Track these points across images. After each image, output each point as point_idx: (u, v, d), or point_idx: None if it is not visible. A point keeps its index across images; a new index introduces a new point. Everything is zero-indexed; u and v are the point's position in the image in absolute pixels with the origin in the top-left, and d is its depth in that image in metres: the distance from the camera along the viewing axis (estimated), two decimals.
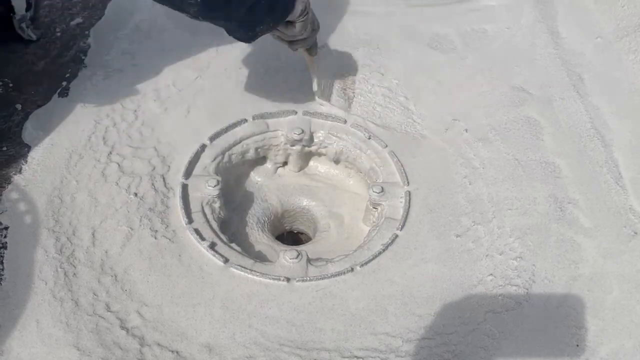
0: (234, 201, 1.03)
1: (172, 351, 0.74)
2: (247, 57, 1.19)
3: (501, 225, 0.91)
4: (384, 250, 0.87)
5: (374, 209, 0.97)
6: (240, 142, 1.03)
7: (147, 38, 1.23)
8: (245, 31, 0.85)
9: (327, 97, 1.09)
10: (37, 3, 1.19)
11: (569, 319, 0.81)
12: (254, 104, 1.08)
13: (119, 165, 0.96)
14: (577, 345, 0.78)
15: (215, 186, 0.93)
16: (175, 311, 0.79)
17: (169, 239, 0.87)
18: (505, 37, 1.29)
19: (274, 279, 0.83)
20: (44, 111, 1.04)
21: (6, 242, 0.84)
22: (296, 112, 1.07)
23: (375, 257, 0.86)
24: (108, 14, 1.28)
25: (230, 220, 0.99)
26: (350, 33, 1.28)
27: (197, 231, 0.88)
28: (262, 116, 1.06)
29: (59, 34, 1.21)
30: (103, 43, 1.20)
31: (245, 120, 1.05)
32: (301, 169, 1.10)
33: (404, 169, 0.99)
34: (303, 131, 1.04)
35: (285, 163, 1.10)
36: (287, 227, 1.12)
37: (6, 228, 0.85)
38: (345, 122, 1.06)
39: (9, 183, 0.91)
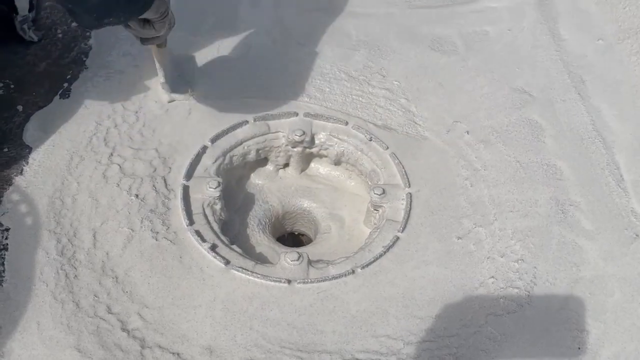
0: (235, 203, 1.03)
1: (173, 353, 0.74)
2: (248, 58, 1.19)
3: (502, 227, 0.91)
4: (385, 252, 0.87)
5: (375, 211, 0.97)
6: (241, 143, 1.03)
7: None
8: (91, 20, 0.78)
9: (173, 89, 1.07)
10: (38, 4, 1.19)
11: (570, 321, 0.80)
12: (255, 106, 1.08)
13: (120, 166, 0.96)
14: (579, 348, 0.78)
15: (216, 188, 0.93)
16: (176, 313, 0.79)
17: (170, 241, 0.87)
18: (506, 39, 1.29)
19: (275, 281, 0.83)
20: (45, 112, 1.04)
21: (7, 244, 0.84)
22: (297, 114, 1.07)
23: (376, 259, 0.86)
24: None
25: (232, 222, 0.99)
26: (351, 34, 1.28)
27: (198, 233, 0.88)
28: (263, 118, 1.06)
29: (60, 36, 1.21)
30: (104, 44, 1.20)
31: (247, 122, 1.05)
32: (302, 170, 1.10)
33: (405, 171, 0.99)
34: (304, 133, 1.04)
35: (286, 165, 1.10)
36: (288, 229, 1.12)
37: (7, 229, 0.85)
38: (346, 123, 1.06)
39: (10, 184, 0.91)
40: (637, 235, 0.91)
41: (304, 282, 0.83)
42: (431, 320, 0.80)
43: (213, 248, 0.86)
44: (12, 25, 1.14)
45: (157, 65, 1.05)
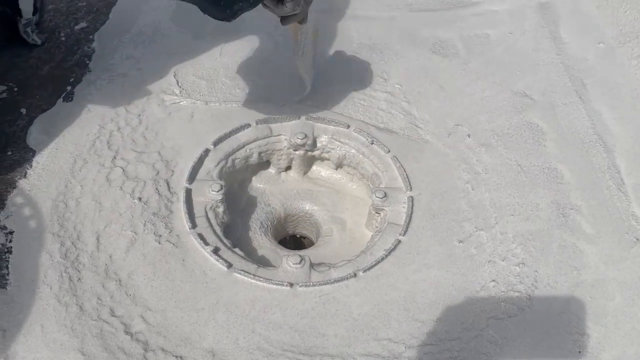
0: (238, 206, 1.04)
1: (176, 356, 0.75)
2: (250, 61, 1.20)
3: (504, 231, 0.92)
4: (386, 255, 0.88)
5: (377, 214, 0.97)
6: (243, 146, 1.03)
7: (151, 42, 1.23)
8: (221, 8, 0.77)
9: (303, 63, 1.06)
10: (41, 7, 1.20)
11: (571, 325, 0.81)
12: (258, 109, 1.09)
13: (123, 169, 0.96)
14: (579, 352, 0.78)
15: (218, 191, 0.93)
16: (179, 316, 0.79)
17: (173, 244, 0.87)
18: (508, 42, 1.29)
19: (277, 284, 0.83)
20: (48, 115, 1.05)
21: (11, 247, 0.84)
22: (299, 117, 1.07)
23: (378, 262, 0.87)
24: (112, 18, 1.29)
25: (235, 225, 1.00)
26: (353, 38, 1.28)
27: (200, 236, 0.88)
28: (266, 121, 1.06)
29: (63, 39, 1.22)
30: (107, 47, 1.21)
31: (249, 125, 1.05)
32: (304, 173, 1.11)
33: (406, 174, 0.99)
34: (306, 136, 1.04)
35: (288, 168, 1.10)
36: (290, 232, 1.13)
37: (11, 232, 0.86)
38: (348, 127, 1.06)
39: (14, 187, 0.92)
40: (637, 239, 0.91)
41: (306, 286, 0.83)
42: (432, 323, 0.80)
43: (215, 251, 0.86)
44: (15, 28, 1.15)
45: (293, 39, 1.01)
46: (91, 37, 1.23)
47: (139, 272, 0.83)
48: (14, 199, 0.90)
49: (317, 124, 1.07)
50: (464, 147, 1.05)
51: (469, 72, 1.21)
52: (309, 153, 1.07)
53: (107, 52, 1.19)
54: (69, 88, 1.10)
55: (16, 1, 1.13)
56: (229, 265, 0.85)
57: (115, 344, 0.75)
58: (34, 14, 1.17)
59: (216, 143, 1.02)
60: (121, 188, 0.93)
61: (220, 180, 0.97)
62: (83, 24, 1.26)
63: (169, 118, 1.06)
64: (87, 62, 1.17)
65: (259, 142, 1.05)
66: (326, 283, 0.84)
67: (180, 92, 1.11)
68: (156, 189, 0.94)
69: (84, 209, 0.90)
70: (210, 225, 0.91)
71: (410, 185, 0.98)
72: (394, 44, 1.27)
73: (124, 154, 0.99)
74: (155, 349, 0.75)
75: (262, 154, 1.06)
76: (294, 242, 1.16)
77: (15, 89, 1.09)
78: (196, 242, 0.87)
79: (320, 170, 1.12)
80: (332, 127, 1.07)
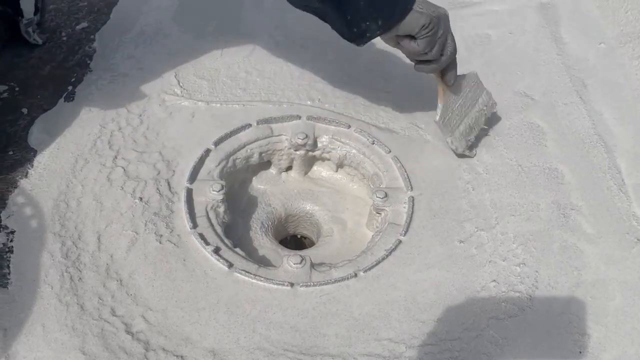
0: (239, 206, 1.04)
1: (177, 356, 0.75)
2: (251, 61, 1.20)
3: (504, 231, 0.92)
4: (387, 255, 0.88)
5: (378, 214, 0.97)
6: (244, 146, 1.03)
7: (152, 42, 1.24)
8: (347, 25, 0.74)
9: (449, 131, 0.98)
10: (43, 7, 1.20)
11: (571, 325, 0.81)
12: (258, 109, 1.09)
13: (124, 169, 0.96)
14: (580, 352, 0.78)
15: (219, 191, 0.94)
16: (179, 316, 0.79)
17: (174, 244, 0.87)
18: (508, 42, 1.29)
19: (278, 284, 0.83)
20: (49, 115, 1.05)
21: (12, 246, 0.84)
22: (300, 117, 1.07)
23: (378, 262, 0.87)
24: (113, 18, 1.29)
25: (236, 225, 1.00)
26: None
27: (201, 236, 0.88)
28: (266, 121, 1.06)
29: (64, 38, 1.22)
30: (108, 47, 1.21)
31: (250, 125, 1.05)
32: (305, 173, 1.11)
33: (407, 174, 0.99)
34: (307, 136, 1.04)
35: (289, 168, 1.10)
36: (290, 232, 1.13)
37: (12, 232, 0.86)
38: (349, 127, 1.06)
39: (16, 187, 0.92)
40: (638, 240, 0.91)
41: (306, 286, 0.83)
42: (433, 323, 0.80)
43: (216, 251, 0.87)
44: (16, 28, 1.15)
45: (438, 99, 0.94)
46: (92, 37, 1.23)
47: (139, 271, 0.83)
48: (15, 198, 0.91)
49: (318, 124, 1.07)
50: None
51: None
52: (310, 153, 1.07)
53: (108, 52, 1.20)
54: (70, 88, 1.10)
55: (17, 1, 1.13)
56: (230, 265, 0.85)
57: (116, 343, 0.75)
58: (35, 13, 1.17)
59: (217, 143, 1.02)
60: (122, 188, 0.94)
61: (221, 180, 0.97)
62: (84, 24, 1.26)
63: (170, 118, 1.06)
64: (89, 62, 1.17)
65: (260, 142, 1.05)
66: (327, 283, 0.84)
67: (181, 92, 1.11)
68: (157, 188, 0.94)
69: (85, 208, 0.90)
70: (211, 225, 0.91)
71: (410, 185, 0.98)
72: None
73: (125, 154, 0.99)
74: (156, 348, 0.75)
75: (263, 154, 1.06)
76: (295, 242, 1.16)
77: (17, 89, 1.09)
78: (197, 242, 0.87)
79: (321, 170, 1.12)
80: (333, 127, 1.07)
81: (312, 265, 0.86)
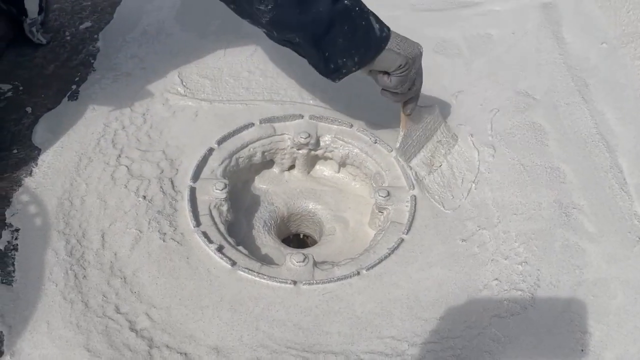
0: (242, 204, 1.04)
1: (181, 353, 0.75)
2: (253, 61, 1.20)
3: (506, 230, 0.92)
4: (389, 254, 0.88)
5: (380, 213, 0.98)
6: (247, 145, 1.04)
7: (155, 41, 1.24)
8: (325, 62, 0.76)
9: (408, 158, 1.01)
10: (46, 7, 1.20)
11: (573, 323, 0.81)
12: (261, 108, 1.09)
13: (127, 168, 0.97)
14: (582, 350, 0.78)
15: (222, 189, 0.94)
16: (183, 313, 0.80)
17: (177, 242, 0.88)
18: (510, 42, 1.29)
19: (280, 282, 0.84)
20: (53, 114, 1.05)
21: (17, 244, 0.85)
22: (303, 116, 1.08)
23: (381, 260, 0.87)
24: (117, 17, 1.30)
25: (239, 224, 1.00)
26: None
27: (204, 234, 0.89)
28: (269, 120, 1.07)
29: (68, 38, 1.23)
30: (112, 47, 1.21)
31: (253, 124, 1.06)
32: (307, 172, 1.11)
33: (409, 173, 1.00)
34: (309, 135, 1.05)
35: (291, 167, 1.11)
36: (293, 231, 1.13)
37: (17, 230, 0.87)
38: (351, 126, 1.07)
39: (20, 185, 0.93)
40: (639, 239, 0.92)
41: (309, 284, 0.84)
42: (435, 321, 0.80)
43: (220, 249, 0.87)
44: (21, 27, 1.16)
45: (400, 128, 0.97)
46: (96, 36, 1.24)
47: (143, 269, 0.84)
48: (20, 196, 0.91)
49: (321, 124, 1.08)
50: (466, 147, 1.05)
51: (472, 72, 1.21)
52: (313, 152, 1.07)
53: (112, 51, 1.20)
54: (73, 87, 1.11)
55: (22, 1, 1.13)
56: (233, 263, 0.85)
57: (120, 340, 0.76)
58: (39, 13, 1.18)
59: (220, 142, 1.02)
60: (126, 186, 0.94)
61: (224, 179, 0.97)
62: (88, 24, 1.27)
63: (173, 117, 1.07)
64: (92, 61, 1.17)
65: (263, 141, 1.05)
66: (329, 281, 0.84)
67: (184, 91, 1.12)
68: (161, 187, 0.95)
69: (89, 207, 0.91)
70: (215, 223, 0.91)
71: (413, 184, 0.98)
72: None
73: (129, 153, 0.99)
74: (160, 345, 0.76)
75: (266, 153, 1.07)
76: (297, 241, 1.17)
77: (21, 88, 1.10)
78: (200, 240, 0.88)
79: (323, 169, 1.12)
80: (335, 126, 1.07)
81: (315, 264, 0.87)
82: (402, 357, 0.76)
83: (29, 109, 1.06)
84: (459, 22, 1.34)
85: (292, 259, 0.86)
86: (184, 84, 1.13)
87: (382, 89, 0.88)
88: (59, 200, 0.91)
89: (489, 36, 1.31)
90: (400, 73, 0.82)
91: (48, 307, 0.78)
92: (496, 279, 0.85)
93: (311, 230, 1.13)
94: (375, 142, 1.05)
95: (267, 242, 1.00)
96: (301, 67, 1.18)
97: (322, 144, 1.07)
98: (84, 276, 0.82)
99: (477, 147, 1.05)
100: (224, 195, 0.94)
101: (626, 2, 1.26)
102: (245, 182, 1.08)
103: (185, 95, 1.11)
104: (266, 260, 0.93)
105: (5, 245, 0.84)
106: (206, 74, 1.16)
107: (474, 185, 0.99)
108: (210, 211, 0.93)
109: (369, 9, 0.81)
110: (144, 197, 0.93)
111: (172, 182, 0.96)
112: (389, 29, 0.82)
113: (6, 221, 0.87)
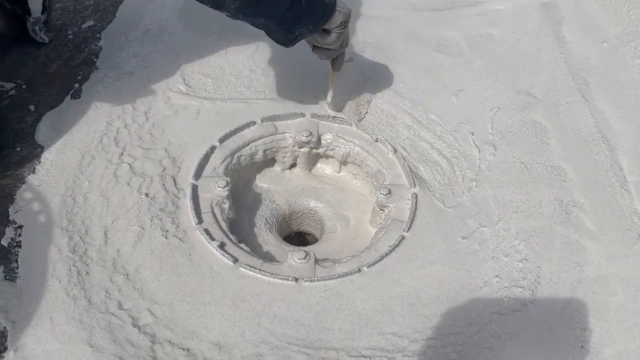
0: (244, 202, 1.05)
1: (183, 349, 0.76)
2: (255, 59, 1.21)
3: (507, 227, 0.92)
4: (390, 251, 0.89)
5: (381, 211, 0.98)
6: (249, 144, 1.04)
7: (157, 40, 1.25)
8: (284, 33, 0.85)
9: (339, 109, 1.10)
10: (49, 6, 1.21)
11: (573, 320, 0.82)
12: (262, 107, 1.10)
13: (130, 166, 0.97)
14: (582, 347, 0.79)
15: (224, 187, 0.94)
16: (185, 309, 0.80)
17: (180, 239, 0.88)
18: (511, 41, 1.30)
19: (282, 278, 0.84)
20: (56, 112, 1.06)
21: (20, 241, 0.85)
22: (304, 115, 1.08)
23: (382, 258, 0.88)
24: (119, 16, 1.31)
25: (241, 221, 1.01)
26: (357, 36, 1.29)
27: (207, 231, 0.89)
28: (271, 118, 1.07)
29: (70, 37, 1.23)
30: (114, 45, 1.22)
31: (254, 123, 1.06)
32: (309, 171, 1.12)
33: (410, 171, 1.00)
34: (311, 133, 1.05)
35: (293, 165, 1.11)
36: (294, 228, 1.14)
37: (21, 227, 0.87)
38: (352, 124, 1.07)
39: (23, 183, 0.93)
40: (639, 236, 0.92)
41: (310, 280, 0.84)
42: (436, 318, 0.81)
43: (221, 246, 0.87)
44: (24, 26, 1.16)
45: (329, 84, 1.07)
46: (98, 35, 1.24)
47: (146, 266, 0.84)
48: (23, 194, 0.92)
49: (322, 122, 1.08)
50: (467, 145, 1.06)
51: (473, 71, 1.22)
52: (314, 150, 1.08)
53: (114, 50, 1.21)
54: (76, 85, 1.12)
55: (25, 0, 1.14)
56: (235, 260, 0.86)
57: (123, 336, 0.76)
58: (42, 12, 1.19)
59: (222, 140, 1.03)
60: (128, 184, 0.95)
61: (226, 176, 0.98)
62: (90, 23, 1.28)
63: (175, 115, 1.07)
64: (95, 60, 1.18)
65: (264, 139, 1.06)
66: (331, 278, 0.85)
67: (186, 89, 1.13)
68: (163, 185, 0.95)
69: (91, 204, 0.91)
70: (216, 221, 0.92)
71: (414, 182, 0.99)
72: (398, 43, 1.28)
73: (131, 151, 1.00)
74: (162, 341, 0.76)
75: (267, 152, 1.07)
76: (299, 239, 1.17)
77: (24, 86, 1.11)
78: (202, 238, 0.88)
79: (324, 167, 1.13)
80: (336, 125, 1.08)
81: (317, 261, 0.87)
82: (403, 354, 0.77)
83: (32, 107, 1.06)
84: (460, 22, 1.35)
85: (294, 256, 0.87)
86: (186, 82, 1.14)
87: (315, 48, 0.96)
88: (62, 198, 0.92)
89: (490, 35, 1.31)
90: (340, 29, 0.90)
91: (51, 303, 0.79)
92: (497, 276, 0.86)
93: (312, 228, 1.13)
94: (376, 141, 1.05)
95: (269, 240, 1.00)
96: (303, 66, 1.19)
97: (323, 142, 1.07)
98: (87, 273, 0.83)
99: (478, 146, 1.06)
100: (225, 193, 0.94)
101: (626, 1, 1.27)
102: (247, 180, 1.08)
103: (188, 94, 1.12)
104: (268, 257, 0.94)
105: (9, 242, 0.85)
106: (208, 73, 1.17)
107: (474, 183, 0.99)
108: (212, 209, 0.93)
109: None
110: (147, 194, 0.93)
111: (174, 180, 0.96)
112: None
113: (10, 218, 0.88)
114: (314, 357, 0.76)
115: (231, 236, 0.91)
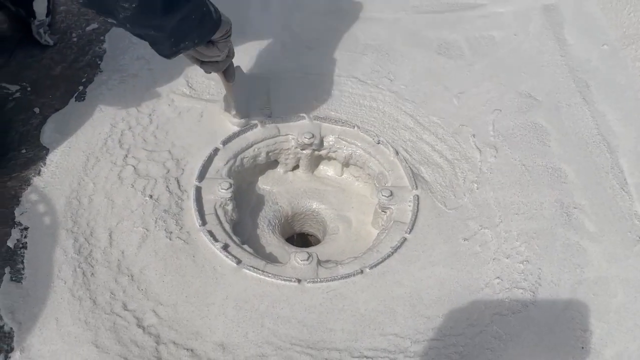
0: (247, 204, 1.05)
1: (187, 349, 0.77)
2: (258, 62, 1.22)
3: (508, 229, 0.93)
4: (392, 253, 0.89)
5: (383, 213, 0.99)
6: (251, 146, 1.05)
7: None
8: (170, 45, 0.84)
9: (244, 116, 1.07)
10: (54, 9, 1.22)
11: (574, 321, 0.82)
12: (265, 109, 1.10)
13: (134, 168, 0.98)
14: (582, 348, 0.79)
15: (227, 189, 0.95)
16: (189, 310, 0.81)
17: (184, 240, 0.89)
18: (512, 43, 1.30)
19: (285, 280, 0.85)
20: (61, 115, 1.07)
21: (26, 242, 0.86)
22: (306, 117, 1.09)
23: (384, 259, 0.88)
24: None
25: (245, 223, 1.01)
26: (359, 39, 1.30)
27: (210, 233, 0.90)
28: (273, 121, 1.08)
29: (75, 39, 1.24)
30: (118, 48, 1.23)
31: (257, 125, 1.07)
32: (311, 172, 1.12)
33: (412, 173, 1.01)
34: (313, 135, 1.06)
35: (295, 167, 1.12)
36: (297, 230, 1.15)
37: (26, 228, 0.88)
38: (354, 126, 1.08)
39: (29, 185, 0.94)
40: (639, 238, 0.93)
41: (313, 282, 0.85)
42: (438, 319, 0.82)
43: (225, 248, 0.88)
44: (28, 29, 1.17)
45: (227, 98, 1.06)
46: (102, 38, 1.25)
47: (150, 267, 0.85)
48: (29, 196, 0.93)
49: (324, 124, 1.09)
50: (468, 147, 1.07)
51: (474, 73, 1.22)
52: (316, 152, 1.09)
53: (118, 52, 1.21)
54: (81, 88, 1.12)
55: (30, 2, 1.15)
56: (238, 262, 0.86)
57: (127, 337, 0.77)
58: (47, 15, 1.19)
59: (225, 142, 1.04)
60: (133, 186, 0.95)
61: (230, 178, 0.98)
62: (94, 25, 1.28)
63: (179, 117, 1.08)
64: (99, 62, 1.19)
65: (267, 141, 1.07)
66: (333, 279, 0.85)
67: (190, 92, 1.13)
68: (167, 186, 0.96)
69: (96, 206, 0.92)
70: (220, 222, 0.93)
71: (415, 184, 0.99)
72: (400, 46, 1.29)
73: (135, 153, 1.01)
74: (166, 342, 0.77)
75: (270, 154, 1.08)
76: (301, 240, 1.18)
77: (29, 89, 1.11)
78: (206, 239, 0.89)
79: (327, 169, 1.13)
80: (338, 127, 1.09)
81: (319, 262, 0.88)
82: (405, 354, 0.78)
83: (36, 110, 1.07)
84: (462, 24, 1.35)
85: (297, 258, 0.87)
86: (190, 84, 1.15)
87: (203, 64, 0.94)
88: (67, 199, 0.92)
89: (492, 38, 1.32)
90: (225, 39, 0.90)
91: (57, 304, 0.80)
92: (498, 277, 0.87)
93: (315, 230, 1.14)
94: (378, 143, 1.06)
95: (272, 241, 1.01)
96: (305, 69, 1.20)
97: (325, 144, 1.08)
98: (92, 274, 0.84)
99: (479, 148, 1.06)
100: (229, 195, 0.95)
101: (627, 4, 1.27)
102: (250, 182, 1.09)
103: (191, 96, 1.12)
104: (271, 258, 0.95)
105: (15, 244, 0.86)
106: (211, 75, 1.17)
107: (476, 185, 1.00)
108: (216, 210, 0.94)
109: None
110: (151, 196, 0.94)
111: (178, 182, 0.97)
112: (215, 6, 0.87)
113: (15, 220, 0.89)
114: (317, 357, 0.77)
115: (234, 237, 0.92)
